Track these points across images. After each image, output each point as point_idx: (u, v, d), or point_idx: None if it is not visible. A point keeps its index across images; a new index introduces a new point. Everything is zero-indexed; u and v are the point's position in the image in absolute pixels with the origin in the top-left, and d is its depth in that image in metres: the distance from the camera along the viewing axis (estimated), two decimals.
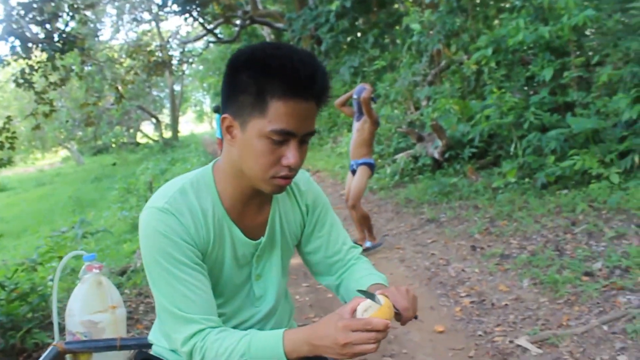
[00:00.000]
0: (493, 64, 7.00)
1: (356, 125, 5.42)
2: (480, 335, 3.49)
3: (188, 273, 1.23)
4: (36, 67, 8.02)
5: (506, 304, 3.83)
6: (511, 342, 3.31)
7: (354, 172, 5.45)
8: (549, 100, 6.33)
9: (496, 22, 9.11)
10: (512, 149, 6.61)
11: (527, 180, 6.19)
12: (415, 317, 1.28)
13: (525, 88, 7.06)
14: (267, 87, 1.14)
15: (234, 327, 1.35)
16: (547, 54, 6.45)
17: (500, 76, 7.01)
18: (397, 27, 13.01)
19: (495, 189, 6.39)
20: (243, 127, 1.20)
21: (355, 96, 5.28)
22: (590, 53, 6.48)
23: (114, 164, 20.25)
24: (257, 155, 1.19)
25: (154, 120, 32.98)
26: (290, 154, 1.19)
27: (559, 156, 5.84)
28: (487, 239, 5.21)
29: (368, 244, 5.42)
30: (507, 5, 8.55)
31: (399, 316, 1.22)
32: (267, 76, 1.14)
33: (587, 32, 6.65)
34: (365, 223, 5.42)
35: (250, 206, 1.36)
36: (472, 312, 3.83)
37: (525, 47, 6.70)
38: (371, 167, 5.43)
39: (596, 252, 4.21)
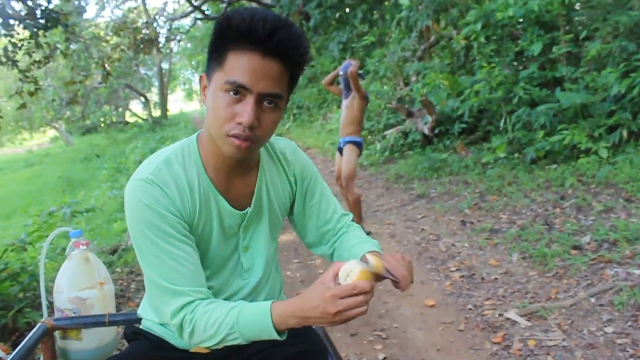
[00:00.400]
0: (482, 39, 6.97)
1: (345, 102, 5.27)
2: (470, 308, 3.52)
3: (175, 245, 1.22)
4: (19, 45, 7.88)
5: (496, 278, 3.86)
6: (500, 315, 3.34)
7: (340, 150, 5.30)
8: (538, 75, 6.32)
9: None
10: (501, 124, 6.61)
11: (516, 155, 6.21)
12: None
13: (515, 63, 7.04)
14: (227, 40, 1.16)
15: (224, 300, 1.33)
16: (536, 29, 6.42)
17: (490, 51, 6.98)
18: (386, 3, 12.88)
19: (485, 164, 6.41)
20: (209, 82, 1.21)
21: (341, 72, 5.15)
22: (580, 27, 6.45)
23: (98, 156, 20.06)
24: (215, 109, 1.18)
25: (142, 99, 32.69)
26: (242, 110, 1.16)
27: (548, 131, 5.85)
28: (477, 213, 5.23)
29: None
30: None
31: (396, 284, 1.22)
32: (228, 32, 1.15)
33: (577, 7, 6.62)
34: (356, 207, 5.22)
35: (235, 176, 1.34)
36: (462, 286, 3.86)
37: (514, 22, 6.66)
38: (358, 145, 5.22)
39: (584, 226, 4.25)
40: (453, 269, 4.19)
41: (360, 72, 5.12)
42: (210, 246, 1.34)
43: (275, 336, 1.16)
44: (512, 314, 3.30)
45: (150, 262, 1.22)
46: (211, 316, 1.18)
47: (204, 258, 1.33)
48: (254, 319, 1.16)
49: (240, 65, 1.14)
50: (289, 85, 1.23)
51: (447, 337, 3.22)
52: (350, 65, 5.02)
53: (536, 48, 6.18)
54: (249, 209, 1.37)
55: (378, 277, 1.18)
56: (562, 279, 3.60)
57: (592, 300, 3.25)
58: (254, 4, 20.90)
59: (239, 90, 1.15)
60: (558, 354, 2.82)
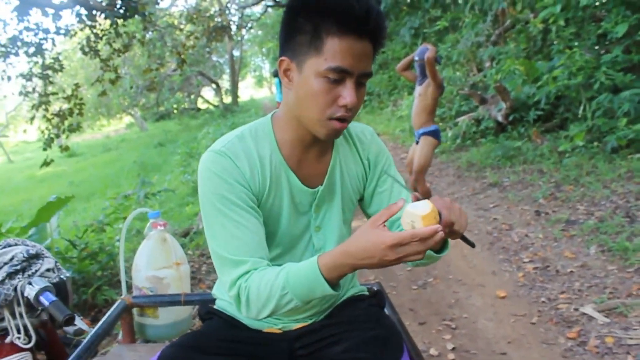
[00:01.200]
0: (561, 22, 6.67)
1: (418, 89, 5.03)
2: (543, 301, 3.40)
3: (240, 214, 1.24)
4: (100, 35, 8.21)
5: (571, 271, 3.72)
6: (576, 309, 3.21)
7: (417, 143, 5.10)
8: (622, 59, 5.99)
9: None
10: (580, 112, 6.33)
11: (595, 144, 5.93)
12: (472, 245, 1.24)
13: (597, 47, 6.70)
14: (323, 25, 1.14)
15: None
16: (622, 9, 6.07)
17: (569, 34, 6.68)
18: None
19: (561, 153, 6.16)
20: (300, 67, 1.20)
21: (417, 58, 4.89)
22: None
23: (161, 145, 20.62)
24: (314, 95, 1.18)
25: (214, 85, 33.33)
26: (346, 93, 1.17)
27: (632, 118, 5.54)
28: (552, 204, 5.04)
29: None
30: None
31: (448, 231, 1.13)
32: (322, 14, 1.14)
33: None
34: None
35: (309, 154, 1.35)
36: (536, 278, 3.74)
37: (597, 3, 6.33)
38: (436, 135, 5.02)
39: None
40: (526, 260, 4.06)
41: (438, 57, 4.89)
42: (280, 223, 1.35)
43: (328, 290, 1.13)
44: (588, 309, 3.16)
45: (214, 230, 1.25)
46: (262, 280, 1.18)
47: (275, 235, 1.35)
48: (304, 275, 1.14)
49: (342, 50, 1.14)
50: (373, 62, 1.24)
51: (518, 330, 3.12)
52: (426, 50, 4.78)
53: (621, 29, 5.85)
54: (320, 187, 1.37)
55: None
56: None
57: None
58: None
59: (340, 75, 1.16)
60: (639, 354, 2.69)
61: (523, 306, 3.40)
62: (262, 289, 1.17)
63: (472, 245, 1.24)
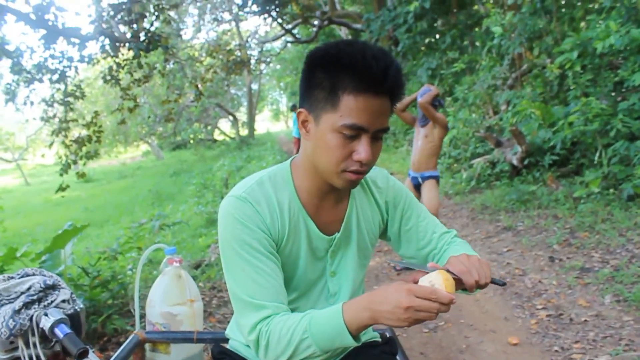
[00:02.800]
0: (578, 68, 6.70)
1: (422, 131, 4.91)
2: (556, 350, 3.35)
3: (260, 260, 1.26)
4: (122, 65, 8.40)
5: (586, 320, 3.67)
6: None
7: (417, 186, 4.96)
8: (639, 107, 6.00)
9: (582, 24, 8.73)
10: (596, 158, 6.32)
11: (611, 191, 5.90)
12: (503, 284, 1.26)
13: (613, 94, 6.72)
14: (339, 82, 1.17)
15: None
16: (638, 58, 6.11)
17: (586, 81, 6.71)
18: (477, 29, 12.70)
19: (576, 199, 6.12)
20: (317, 121, 1.23)
21: (419, 99, 4.72)
22: None
23: (176, 174, 20.85)
24: (329, 149, 1.21)
25: (231, 118, 33.70)
26: (361, 149, 1.20)
27: None
28: (567, 250, 5.00)
29: None
30: (595, 6, 8.17)
31: (461, 284, 1.18)
32: (339, 71, 1.16)
33: None
34: None
35: (327, 202, 1.37)
36: (549, 326, 3.69)
37: (614, 51, 6.37)
38: (437, 179, 4.92)
39: None
40: (539, 306, 4.01)
41: (440, 99, 4.77)
42: (297, 268, 1.36)
43: (348, 338, 1.14)
44: None
45: (235, 274, 1.27)
46: (284, 325, 1.19)
47: (291, 280, 1.37)
48: (326, 320, 1.16)
49: (358, 108, 1.16)
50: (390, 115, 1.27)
51: None
52: (428, 91, 4.66)
53: (638, 78, 5.87)
54: (337, 235, 1.39)
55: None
56: None
57: None
58: (344, 29, 21.23)
59: (356, 131, 1.19)
60: None
61: (536, 354, 3.35)
62: (284, 334, 1.18)
63: (503, 284, 1.27)
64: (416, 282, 1.13)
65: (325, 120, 1.20)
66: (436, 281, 1.10)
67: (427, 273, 1.15)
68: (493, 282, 1.23)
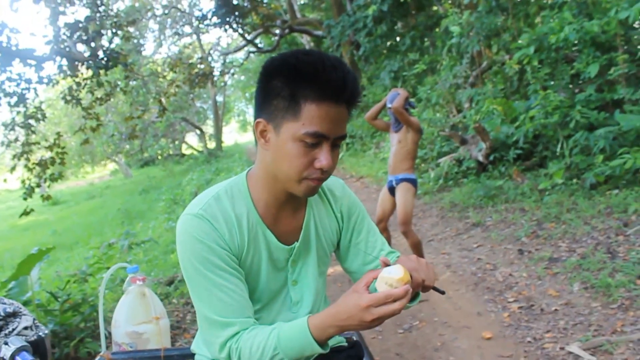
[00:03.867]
0: (536, 63, 6.84)
1: (396, 136, 4.72)
2: (529, 341, 3.40)
3: (223, 277, 1.26)
4: (82, 84, 8.27)
5: (556, 309, 3.73)
6: (562, 348, 3.21)
7: (391, 189, 4.73)
8: (595, 98, 6.14)
9: (537, 19, 8.92)
10: (558, 149, 6.44)
11: (575, 181, 6.02)
12: (442, 292, 1.33)
13: (570, 86, 6.87)
14: (300, 91, 1.17)
15: None
16: (592, 50, 6.26)
17: (544, 75, 6.85)
18: (436, 30, 12.87)
19: (542, 191, 6.23)
20: (277, 130, 1.23)
21: (389, 105, 4.58)
22: (639, 47, 6.26)
23: (145, 191, 20.66)
24: (291, 157, 1.21)
25: (198, 131, 33.47)
26: (322, 157, 1.22)
27: (608, 155, 5.65)
28: (535, 242, 5.08)
29: None
30: (549, 2, 8.36)
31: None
32: (300, 81, 1.17)
33: (636, 25, 6.43)
34: (417, 250, 4.62)
35: (285, 211, 1.38)
36: (521, 317, 3.74)
37: (569, 44, 6.52)
38: (414, 183, 4.70)
39: None
40: (511, 299, 4.07)
41: (411, 100, 4.67)
42: (259, 280, 1.37)
43: (317, 349, 1.19)
44: (574, 348, 3.16)
45: (199, 294, 1.27)
46: (254, 341, 1.21)
47: (254, 292, 1.37)
48: (294, 336, 1.19)
49: (320, 116, 1.18)
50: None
51: None
52: (397, 95, 4.52)
53: (593, 70, 6.02)
54: (297, 244, 1.40)
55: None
56: (628, 311, 3.44)
57: None
58: (305, 36, 21.31)
59: (318, 139, 1.20)
60: None
61: (509, 347, 3.39)
62: (254, 350, 1.20)
63: (442, 292, 1.32)
64: (369, 284, 1.17)
65: (286, 129, 1.20)
66: (395, 272, 1.14)
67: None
68: (434, 288, 1.29)
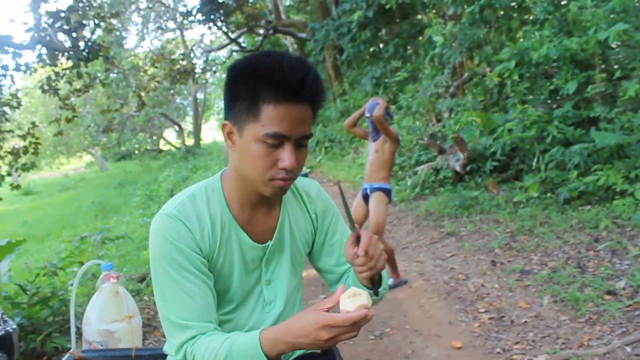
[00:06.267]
0: (516, 77, 6.93)
1: (373, 145, 4.74)
2: (498, 352, 3.44)
3: (189, 279, 1.26)
4: (61, 74, 8.16)
5: (526, 321, 3.78)
6: None
7: (365, 197, 4.76)
8: (572, 114, 6.24)
9: (519, 34, 9.04)
10: (534, 163, 6.53)
11: (549, 195, 6.11)
12: (376, 294, 1.30)
13: (549, 101, 6.97)
14: (259, 93, 1.19)
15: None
16: (571, 67, 6.37)
17: (523, 89, 6.94)
18: (420, 39, 12.98)
19: (516, 204, 6.31)
20: (241, 132, 1.25)
21: (367, 114, 4.62)
22: (616, 66, 6.38)
23: (121, 185, 20.38)
24: (254, 158, 1.23)
25: (176, 127, 33.28)
26: (285, 157, 1.22)
27: (583, 171, 5.74)
28: (508, 254, 5.14)
29: (390, 281, 4.78)
30: (531, 18, 8.48)
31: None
32: (258, 82, 1.19)
33: (613, 45, 6.55)
34: (388, 259, 4.59)
35: (258, 211, 1.39)
36: (491, 328, 3.78)
37: (549, 60, 6.62)
38: (388, 193, 4.70)
39: (619, 271, 4.13)
40: (482, 310, 4.11)
41: (389, 110, 4.67)
42: (232, 280, 1.38)
43: None
44: None
45: (163, 294, 1.28)
46: (207, 347, 1.21)
47: (227, 292, 1.38)
48: (246, 347, 1.18)
49: (278, 117, 1.19)
50: (313, 122, 1.29)
51: None
52: (376, 104, 4.52)
53: (571, 87, 6.12)
54: (270, 242, 1.41)
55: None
56: (595, 325, 3.50)
57: (628, 349, 3.15)
58: (289, 38, 21.30)
59: (279, 140, 1.21)
60: None
61: (478, 357, 3.42)
62: (207, 356, 1.20)
63: (376, 294, 1.30)
64: (330, 308, 1.15)
65: (248, 131, 1.22)
66: (357, 298, 1.12)
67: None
68: (373, 284, 1.29)
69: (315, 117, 1.29)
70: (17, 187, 7.91)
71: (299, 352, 1.50)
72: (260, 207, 1.38)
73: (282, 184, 1.26)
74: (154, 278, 1.29)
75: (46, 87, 8.31)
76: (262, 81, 1.19)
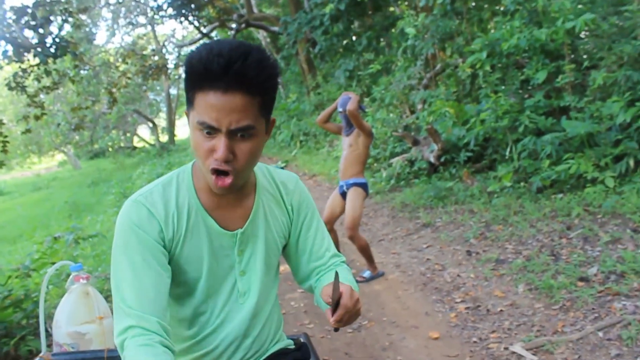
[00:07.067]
0: (488, 68, 6.99)
1: (347, 140, 4.78)
2: (475, 341, 3.47)
3: (143, 268, 1.25)
4: (29, 71, 8.00)
5: (501, 310, 3.82)
6: (506, 348, 3.29)
7: (343, 194, 4.80)
8: (543, 104, 6.31)
9: (490, 25, 9.11)
10: (507, 153, 6.60)
11: (522, 184, 6.17)
12: (335, 330, 1.33)
13: (520, 91, 7.04)
14: (192, 81, 1.19)
15: (220, 327, 1.39)
16: (541, 57, 6.44)
17: (495, 79, 7.00)
18: (393, 31, 12.99)
19: (490, 193, 6.37)
20: (188, 120, 1.26)
21: (340, 109, 4.66)
22: (585, 56, 6.47)
23: (94, 184, 20.12)
24: (195, 145, 1.24)
25: (150, 124, 32.94)
26: (217, 146, 1.20)
27: (554, 160, 5.82)
28: (483, 243, 5.19)
29: (367, 273, 4.88)
30: (502, 9, 8.55)
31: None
32: (190, 72, 1.19)
33: (582, 35, 6.64)
34: (364, 252, 4.78)
35: (228, 199, 1.37)
36: (467, 318, 3.82)
37: (519, 51, 6.68)
38: (365, 187, 4.76)
39: (591, 257, 4.20)
40: (458, 300, 4.15)
41: (362, 104, 4.71)
42: (202, 267, 1.36)
43: None
44: (517, 348, 3.25)
45: (116, 276, 1.26)
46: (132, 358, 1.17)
47: (198, 280, 1.37)
48: None
49: (205, 105, 1.17)
50: (263, 110, 1.24)
51: None
52: (349, 99, 4.55)
53: (541, 76, 6.19)
54: (240, 230, 1.39)
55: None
56: (569, 312, 3.56)
57: (600, 334, 3.20)
58: (262, 31, 21.19)
59: (210, 129, 1.19)
60: None
61: (456, 347, 3.45)
62: None
63: (336, 330, 1.34)
64: None
65: (190, 119, 1.23)
66: None
67: None
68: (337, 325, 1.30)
69: (266, 104, 1.23)
70: None
71: (272, 349, 1.49)
72: (227, 194, 1.34)
73: (220, 184, 1.24)
74: (112, 260, 1.29)
75: (13, 84, 8.14)
76: (192, 70, 1.18)
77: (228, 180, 1.23)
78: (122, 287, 1.24)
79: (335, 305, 1.24)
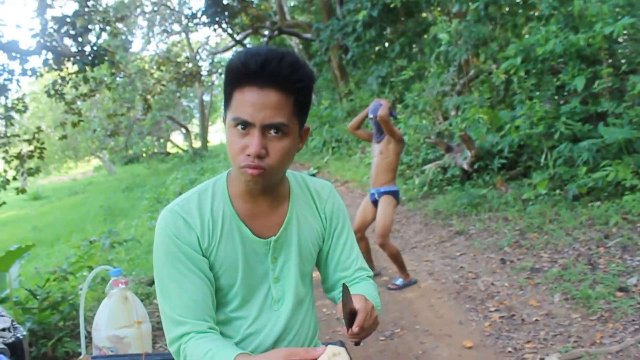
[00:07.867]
0: (522, 73, 6.89)
1: (378, 147, 4.77)
2: (509, 351, 3.42)
3: (186, 275, 1.30)
4: (67, 79, 8.21)
5: (537, 320, 3.75)
6: (542, 359, 3.23)
7: (375, 202, 4.82)
8: (580, 110, 6.20)
9: (525, 30, 8.99)
10: (542, 160, 6.49)
11: (558, 191, 6.07)
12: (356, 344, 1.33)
13: (556, 97, 6.93)
14: (230, 80, 1.24)
15: (255, 334, 1.40)
16: (577, 63, 6.32)
17: (530, 85, 6.90)
18: (425, 37, 12.93)
19: (525, 201, 6.28)
20: (225, 122, 1.30)
21: (371, 115, 4.66)
22: (623, 61, 6.33)
23: (129, 189, 20.36)
24: (229, 144, 1.27)
25: (183, 130, 33.33)
26: (250, 142, 1.23)
27: (591, 167, 5.70)
28: (517, 252, 5.12)
29: (399, 281, 4.85)
30: (536, 14, 8.44)
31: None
32: (230, 71, 1.24)
33: (620, 40, 6.51)
34: (396, 260, 4.76)
35: (261, 206, 1.40)
36: (502, 327, 3.76)
37: (555, 56, 6.58)
38: (396, 195, 4.77)
39: (631, 267, 4.10)
40: (492, 309, 4.09)
41: (393, 111, 4.70)
42: (237, 273, 1.38)
43: None
44: (554, 359, 3.19)
45: (162, 287, 1.31)
46: (193, 353, 1.24)
47: (232, 286, 1.39)
48: None
49: (241, 101, 1.22)
50: (297, 112, 1.28)
51: None
52: (380, 106, 4.56)
53: (578, 82, 6.07)
54: (274, 237, 1.40)
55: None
56: (608, 323, 3.48)
57: None
58: (294, 38, 21.31)
59: (244, 125, 1.23)
60: None
61: (489, 356, 3.41)
62: None
63: (356, 344, 1.34)
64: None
65: (227, 119, 1.27)
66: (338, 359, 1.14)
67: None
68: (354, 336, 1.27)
69: (301, 106, 1.28)
70: (23, 191, 7.96)
71: None
72: (261, 201, 1.38)
73: (249, 172, 1.25)
74: (155, 271, 1.33)
75: (52, 92, 8.36)
76: (231, 69, 1.23)
77: (257, 171, 1.25)
78: (169, 296, 1.29)
79: (349, 319, 1.23)
